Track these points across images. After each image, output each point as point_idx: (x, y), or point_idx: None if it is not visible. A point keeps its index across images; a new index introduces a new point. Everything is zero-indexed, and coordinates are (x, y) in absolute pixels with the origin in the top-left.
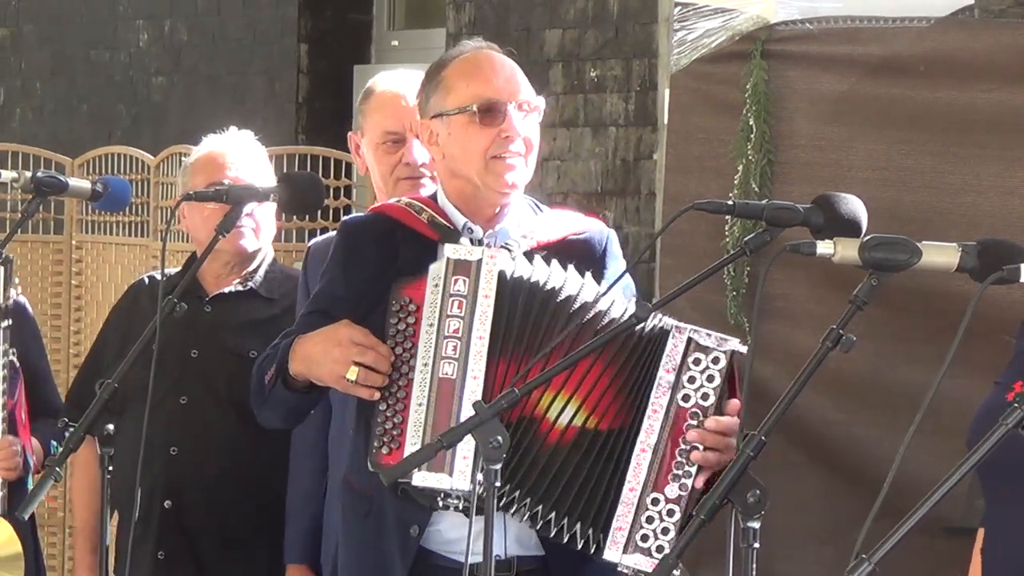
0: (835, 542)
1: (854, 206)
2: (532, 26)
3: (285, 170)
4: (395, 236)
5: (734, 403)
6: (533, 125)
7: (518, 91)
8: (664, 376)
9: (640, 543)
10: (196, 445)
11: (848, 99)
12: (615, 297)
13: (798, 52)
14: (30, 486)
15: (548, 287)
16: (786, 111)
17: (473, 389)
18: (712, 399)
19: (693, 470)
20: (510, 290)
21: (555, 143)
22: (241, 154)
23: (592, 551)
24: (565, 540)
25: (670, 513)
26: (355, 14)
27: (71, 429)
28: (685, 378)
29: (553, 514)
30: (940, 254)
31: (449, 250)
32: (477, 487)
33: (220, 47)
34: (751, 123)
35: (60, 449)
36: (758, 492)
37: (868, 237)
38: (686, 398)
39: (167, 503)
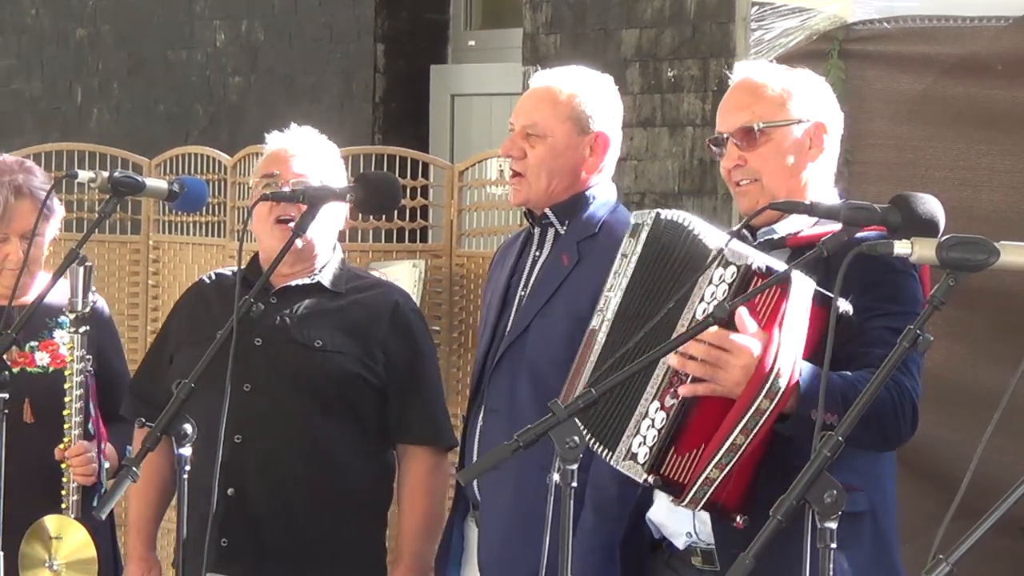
0: (912, 542)
1: (931, 206)
2: (609, 26)
3: (361, 170)
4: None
5: (739, 313)
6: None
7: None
8: (695, 293)
9: (635, 450)
10: (261, 433)
11: (925, 99)
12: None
13: (875, 52)
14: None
15: (683, 252)
16: (863, 111)
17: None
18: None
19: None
20: (654, 254)
21: (632, 143)
22: (302, 148)
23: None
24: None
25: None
26: (432, 14)
27: (148, 428)
28: (707, 292)
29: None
30: (1018, 254)
31: (635, 215)
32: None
33: (297, 47)
34: None
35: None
36: (835, 492)
37: (946, 237)
38: (703, 311)
39: (230, 490)
